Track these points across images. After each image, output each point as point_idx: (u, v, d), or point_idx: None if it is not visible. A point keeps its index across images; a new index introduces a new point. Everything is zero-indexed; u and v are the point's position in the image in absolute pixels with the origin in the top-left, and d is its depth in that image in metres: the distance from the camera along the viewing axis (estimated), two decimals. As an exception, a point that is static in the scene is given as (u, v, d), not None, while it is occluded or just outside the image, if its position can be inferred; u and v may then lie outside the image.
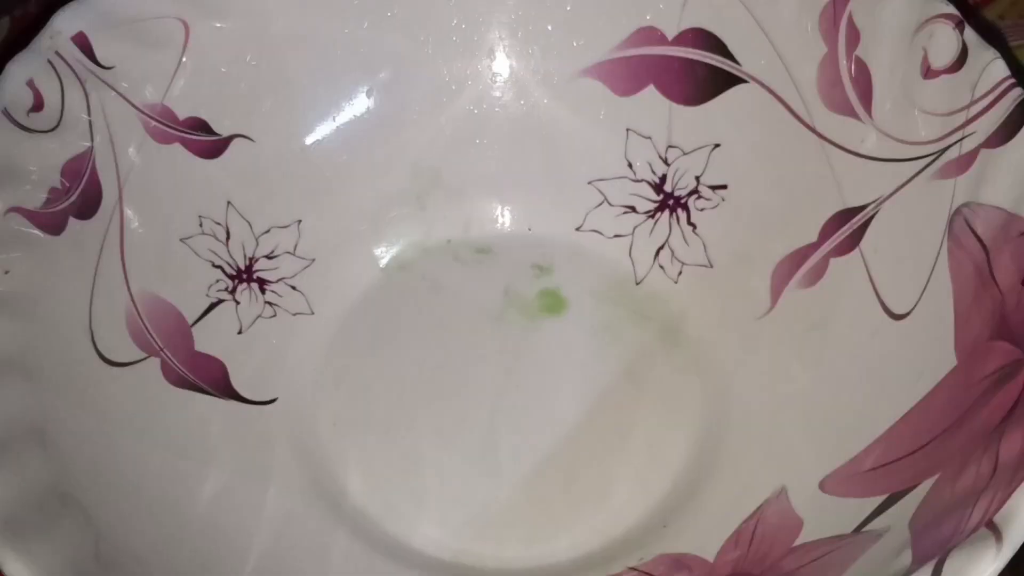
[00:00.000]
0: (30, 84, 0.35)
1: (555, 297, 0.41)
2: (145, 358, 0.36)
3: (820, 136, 0.38)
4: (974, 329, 0.32)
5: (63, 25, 0.35)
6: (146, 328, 0.36)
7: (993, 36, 0.35)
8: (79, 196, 0.35)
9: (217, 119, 0.39)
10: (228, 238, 0.40)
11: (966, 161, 0.34)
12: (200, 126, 0.39)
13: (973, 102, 0.34)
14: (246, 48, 0.39)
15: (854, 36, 0.36)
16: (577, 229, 0.42)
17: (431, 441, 0.37)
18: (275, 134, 0.40)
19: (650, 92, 0.41)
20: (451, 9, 0.41)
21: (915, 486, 0.31)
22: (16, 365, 0.31)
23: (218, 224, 0.39)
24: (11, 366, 0.31)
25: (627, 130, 0.42)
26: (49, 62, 0.35)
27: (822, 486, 0.33)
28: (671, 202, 0.42)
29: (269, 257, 0.40)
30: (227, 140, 0.39)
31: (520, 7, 0.42)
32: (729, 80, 0.40)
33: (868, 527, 0.31)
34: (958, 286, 0.34)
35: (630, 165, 0.42)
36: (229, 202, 0.40)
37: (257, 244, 0.40)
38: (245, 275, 0.40)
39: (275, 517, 0.35)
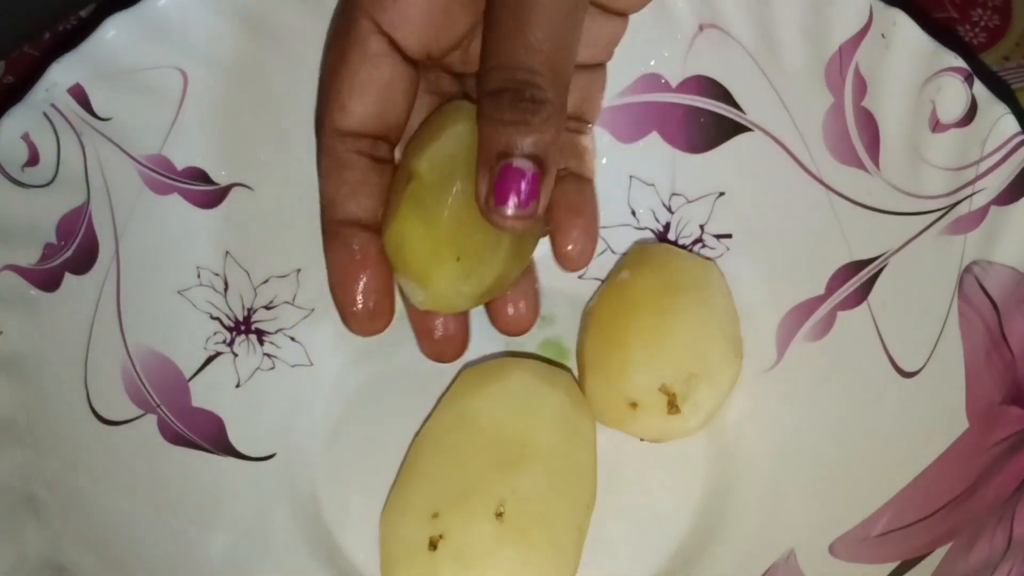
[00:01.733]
0: (25, 138, 0.34)
1: (558, 348, 0.41)
2: (141, 415, 0.36)
3: (826, 187, 0.38)
4: (986, 391, 0.32)
5: (59, 77, 0.35)
6: (143, 384, 0.36)
7: (1000, 88, 0.35)
8: (75, 251, 0.35)
9: (215, 168, 0.39)
10: (226, 289, 0.39)
11: (976, 217, 0.34)
12: (198, 176, 0.38)
13: (983, 158, 0.34)
14: (245, 97, 0.38)
15: (861, 87, 0.36)
16: (580, 277, 0.42)
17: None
18: (274, 183, 0.40)
19: (654, 139, 0.41)
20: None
21: (927, 554, 0.30)
22: (9, 429, 0.31)
23: (216, 275, 0.39)
24: (5, 430, 0.30)
25: (630, 177, 0.41)
26: (45, 115, 0.35)
27: (832, 550, 0.33)
28: (675, 250, 0.41)
29: (268, 308, 0.40)
30: (226, 189, 0.39)
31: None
32: (734, 128, 0.39)
33: (879, 596, 0.30)
34: (969, 346, 0.33)
35: (633, 212, 0.42)
36: (227, 252, 0.39)
37: (256, 294, 0.40)
38: (243, 326, 0.39)
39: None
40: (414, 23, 0.32)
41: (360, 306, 0.33)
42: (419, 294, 0.33)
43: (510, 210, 0.30)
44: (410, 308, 0.36)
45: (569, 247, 0.36)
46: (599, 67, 0.37)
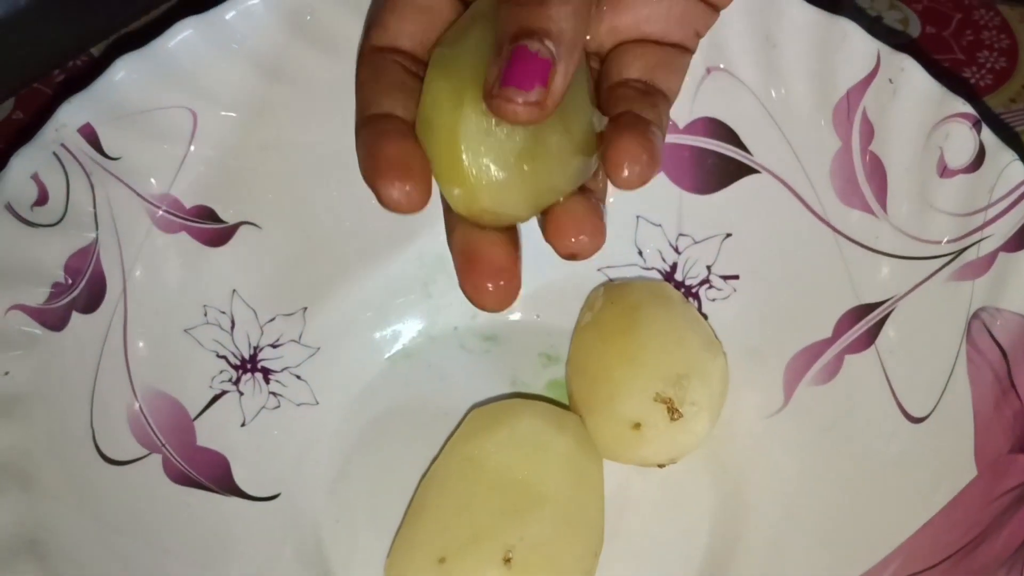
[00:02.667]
0: (35, 178, 0.34)
1: (564, 388, 0.40)
2: (147, 455, 0.35)
3: (834, 229, 0.38)
4: (995, 439, 0.32)
5: (69, 117, 0.35)
6: (148, 423, 0.36)
7: (1007, 133, 0.35)
8: (83, 290, 0.35)
9: (224, 207, 0.39)
10: (233, 327, 0.39)
11: (984, 264, 0.34)
12: (207, 214, 0.38)
13: (991, 204, 0.34)
14: (254, 137, 0.38)
15: (868, 131, 0.36)
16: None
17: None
18: (282, 221, 0.40)
19: (661, 180, 0.41)
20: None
21: (936, 604, 0.30)
22: (13, 472, 0.30)
23: (223, 313, 0.39)
24: (8, 474, 0.30)
25: (637, 217, 0.41)
26: (54, 155, 0.35)
27: (839, 598, 0.33)
28: (682, 291, 0.41)
29: (274, 346, 0.40)
30: (233, 228, 0.39)
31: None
32: (741, 170, 0.39)
33: (888, 647, 0.30)
34: (977, 392, 0.33)
35: (640, 252, 0.42)
36: (234, 290, 0.39)
37: (262, 333, 0.40)
38: (250, 365, 0.39)
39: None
40: None
41: (392, 172, 0.29)
42: (454, 185, 0.29)
43: (512, 93, 0.27)
44: (451, 239, 0.31)
45: (625, 164, 0.29)
46: (685, 51, 0.35)
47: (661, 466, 0.38)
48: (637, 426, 0.36)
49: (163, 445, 0.36)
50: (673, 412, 0.36)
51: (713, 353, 0.38)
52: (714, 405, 0.37)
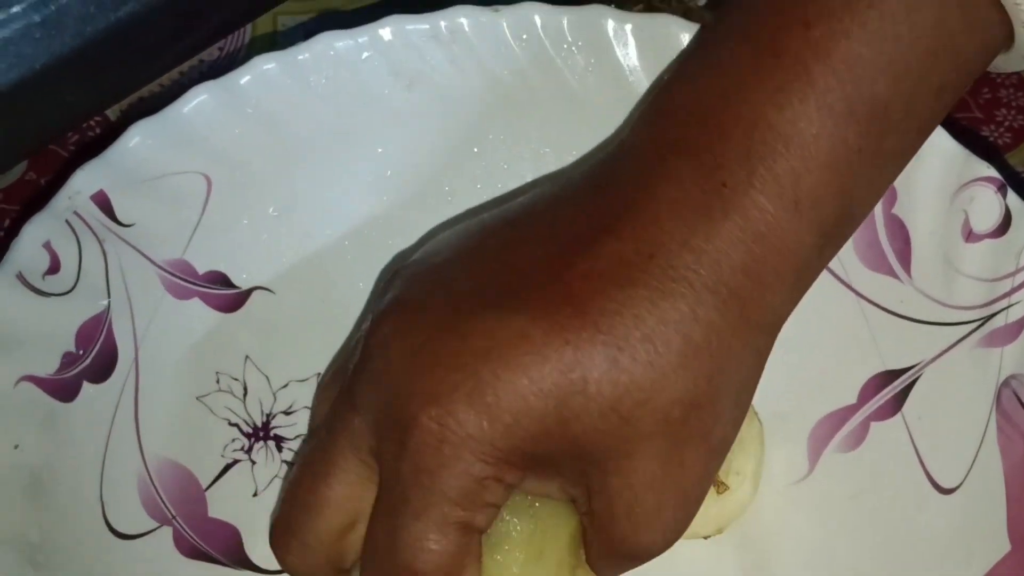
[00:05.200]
0: (47, 246, 0.34)
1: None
2: (157, 528, 0.35)
3: (857, 294, 0.37)
4: (1029, 513, 0.31)
5: (82, 184, 0.35)
6: (159, 495, 0.35)
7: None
8: (94, 359, 0.34)
9: (237, 272, 0.38)
10: (245, 394, 0.38)
11: (1013, 331, 0.33)
12: (219, 280, 0.38)
13: (1019, 269, 0.33)
14: (268, 199, 0.38)
15: (891, 194, 0.36)
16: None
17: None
18: (296, 285, 0.39)
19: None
20: (479, 170, 0.40)
21: None
22: (21, 547, 0.30)
23: (235, 380, 0.38)
24: (15, 549, 0.29)
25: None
26: (67, 222, 0.34)
27: (871, 676, 0.32)
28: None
29: (287, 413, 0.39)
30: (247, 293, 0.38)
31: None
32: (761, 232, 0.39)
33: None
34: (1009, 464, 0.32)
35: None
36: (247, 356, 0.39)
37: (275, 399, 0.39)
38: (262, 432, 0.39)
39: None
40: None
41: None
42: None
43: None
44: None
45: None
46: None
47: (706, 538, 0.37)
48: None
49: (174, 517, 0.35)
50: (720, 485, 0.36)
51: (750, 419, 0.37)
52: (756, 471, 0.37)
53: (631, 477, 0.27)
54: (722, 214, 0.27)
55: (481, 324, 0.27)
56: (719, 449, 0.29)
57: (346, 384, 0.29)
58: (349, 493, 0.29)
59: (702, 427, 0.28)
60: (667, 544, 0.29)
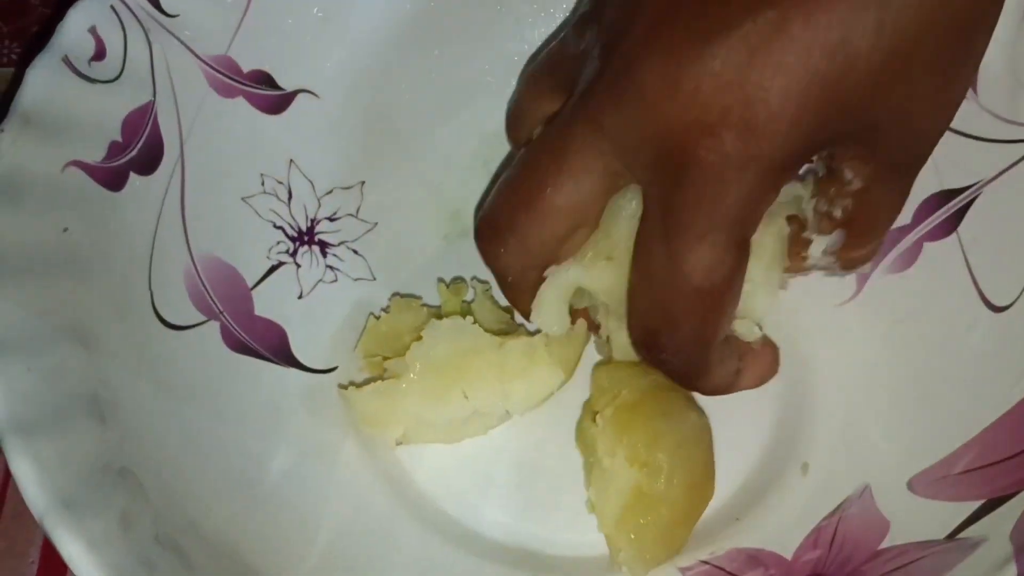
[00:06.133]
0: (92, 32, 0.33)
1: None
2: (205, 321, 0.35)
3: (918, 112, 0.36)
4: (1083, 329, 0.30)
5: (127, -30, 0.34)
6: (206, 290, 0.35)
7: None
8: (140, 151, 0.34)
9: (282, 73, 0.37)
10: (290, 198, 0.38)
11: (1081, 148, 0.32)
12: (264, 79, 0.37)
13: (1092, 83, 0.32)
14: (314, 4, 0.37)
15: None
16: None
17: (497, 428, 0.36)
18: (341, 90, 0.38)
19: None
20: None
21: (1014, 494, 0.29)
22: (75, 331, 0.30)
23: (280, 183, 0.38)
24: (70, 332, 0.30)
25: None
26: (112, 8, 0.33)
27: (910, 486, 0.32)
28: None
29: (331, 219, 0.39)
30: (291, 95, 0.38)
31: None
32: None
33: (962, 534, 0.29)
34: (1066, 281, 0.32)
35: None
36: (292, 160, 0.38)
37: (319, 205, 0.39)
38: (307, 237, 0.38)
39: (343, 496, 0.33)
40: None
41: None
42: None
43: None
44: None
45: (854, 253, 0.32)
46: None
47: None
48: None
49: (220, 312, 0.35)
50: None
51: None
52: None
53: (913, 98, 0.27)
54: None
55: (736, 32, 0.25)
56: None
57: (591, 105, 0.28)
58: (580, 204, 0.30)
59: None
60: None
